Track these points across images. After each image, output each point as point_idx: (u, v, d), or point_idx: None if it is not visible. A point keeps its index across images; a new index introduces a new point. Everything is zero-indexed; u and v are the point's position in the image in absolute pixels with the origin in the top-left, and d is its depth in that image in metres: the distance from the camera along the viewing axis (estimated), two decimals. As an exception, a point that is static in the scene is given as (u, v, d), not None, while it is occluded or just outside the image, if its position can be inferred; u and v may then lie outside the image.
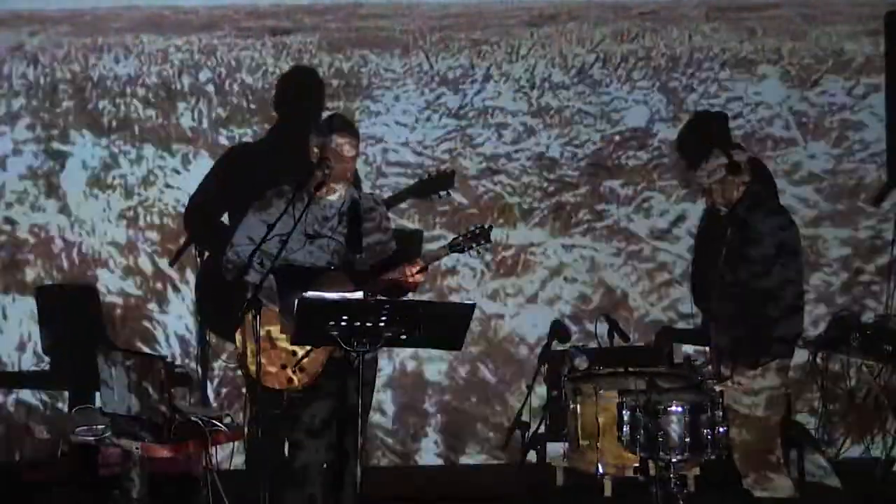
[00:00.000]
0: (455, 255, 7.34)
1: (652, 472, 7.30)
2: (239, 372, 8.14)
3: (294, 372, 7.12)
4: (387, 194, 8.71)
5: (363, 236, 7.28)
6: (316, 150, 7.24)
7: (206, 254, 8.41)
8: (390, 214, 7.71)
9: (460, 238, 7.27)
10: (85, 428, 7.03)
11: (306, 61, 8.87)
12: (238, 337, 7.16)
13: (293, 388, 7.16)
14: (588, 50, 8.96)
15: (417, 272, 7.17)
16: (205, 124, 8.88)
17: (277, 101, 8.76)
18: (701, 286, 8.27)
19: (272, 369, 7.16)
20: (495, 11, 8.91)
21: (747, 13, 9.06)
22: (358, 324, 6.55)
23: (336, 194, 7.34)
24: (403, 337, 6.63)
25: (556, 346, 8.45)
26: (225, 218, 8.66)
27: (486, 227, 7.29)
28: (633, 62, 8.97)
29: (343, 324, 6.56)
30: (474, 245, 7.24)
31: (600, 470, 7.66)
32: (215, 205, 8.60)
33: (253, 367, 6.93)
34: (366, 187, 8.67)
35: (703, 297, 7.83)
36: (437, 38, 8.90)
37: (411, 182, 8.84)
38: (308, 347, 7.08)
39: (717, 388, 7.27)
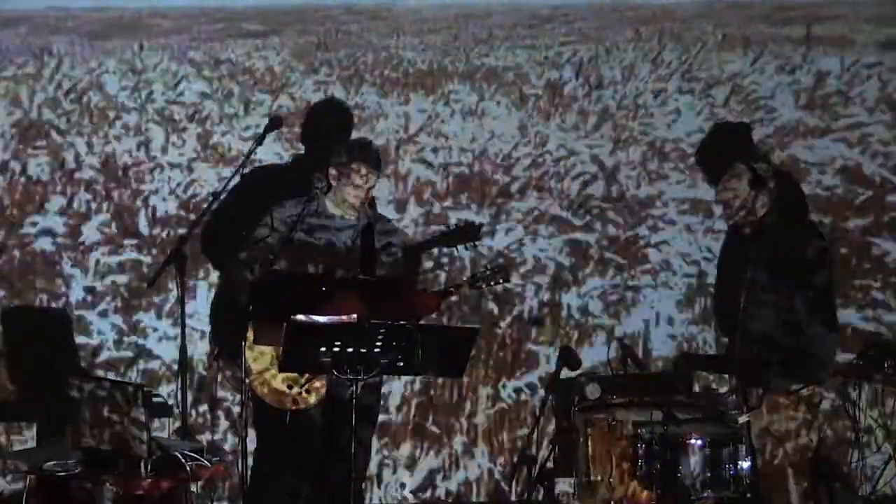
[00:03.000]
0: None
1: (670, 509, 7.16)
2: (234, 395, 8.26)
3: (300, 393, 7.22)
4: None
5: (376, 259, 7.43)
6: (334, 171, 7.49)
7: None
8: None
9: (478, 275, 7.70)
10: (54, 462, 6.82)
11: (287, 64, 8.76)
12: (249, 354, 7.26)
13: (299, 409, 7.29)
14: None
15: (431, 302, 7.50)
16: (186, 130, 8.72)
17: (304, 132, 8.70)
18: (725, 309, 8.10)
19: (279, 389, 7.28)
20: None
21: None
22: (351, 350, 6.51)
23: (349, 214, 7.52)
24: (401, 364, 6.58)
25: (566, 373, 8.12)
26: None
27: (505, 265, 7.87)
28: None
29: (335, 350, 6.51)
30: (492, 283, 7.72)
31: (613, 508, 7.57)
32: (233, 228, 8.36)
33: (262, 388, 7.28)
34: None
35: (728, 321, 7.70)
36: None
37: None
38: None
39: (742, 420, 7.15)
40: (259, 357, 7.28)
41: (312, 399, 7.29)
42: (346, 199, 7.45)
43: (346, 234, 7.47)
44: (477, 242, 8.16)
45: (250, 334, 7.24)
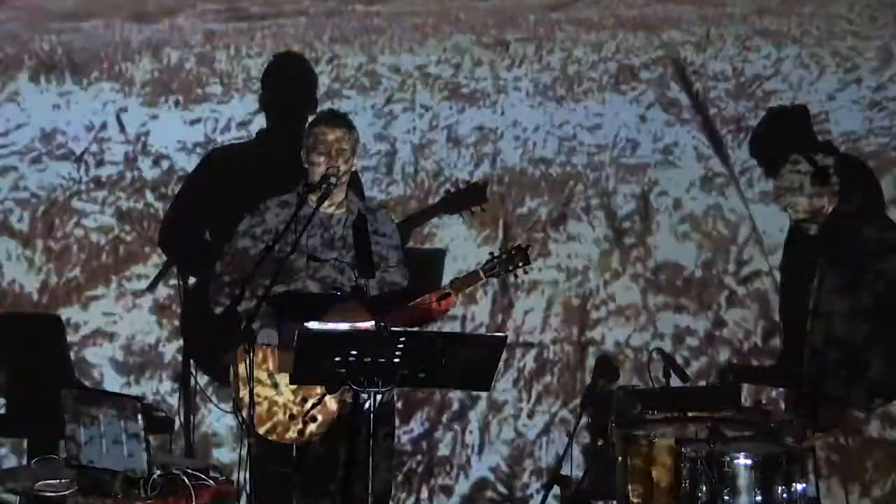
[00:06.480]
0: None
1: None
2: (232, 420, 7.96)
3: (305, 422, 6.89)
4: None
5: (373, 256, 7.05)
6: (303, 154, 7.07)
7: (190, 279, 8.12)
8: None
9: (495, 260, 7.07)
10: (47, 482, 6.69)
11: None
12: (233, 377, 6.86)
13: (304, 440, 6.93)
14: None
15: (443, 300, 6.99)
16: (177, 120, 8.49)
17: (264, 99, 8.28)
18: (792, 316, 7.94)
19: (278, 419, 6.93)
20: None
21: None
22: (369, 359, 6.26)
23: (339, 208, 7.12)
24: (422, 375, 6.32)
25: (602, 386, 8.09)
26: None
27: (524, 246, 7.14)
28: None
29: (351, 359, 6.25)
30: (511, 268, 7.07)
31: (654, 533, 7.50)
32: (197, 219, 8.18)
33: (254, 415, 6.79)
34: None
35: (795, 329, 7.54)
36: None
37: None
38: (319, 392, 6.88)
39: (808, 443, 6.94)
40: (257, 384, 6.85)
41: (318, 428, 6.89)
42: (336, 187, 6.93)
43: (336, 230, 7.04)
44: (484, 206, 7.89)
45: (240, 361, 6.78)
